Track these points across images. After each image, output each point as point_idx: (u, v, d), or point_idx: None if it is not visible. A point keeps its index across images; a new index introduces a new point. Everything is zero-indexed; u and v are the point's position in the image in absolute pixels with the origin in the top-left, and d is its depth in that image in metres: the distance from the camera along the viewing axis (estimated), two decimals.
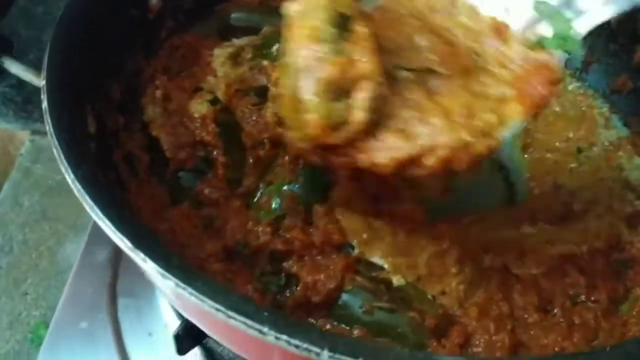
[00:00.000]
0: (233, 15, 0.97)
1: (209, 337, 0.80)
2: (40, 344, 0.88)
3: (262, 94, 0.83)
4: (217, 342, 0.82)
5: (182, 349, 0.80)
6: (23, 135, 1.58)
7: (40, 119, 0.61)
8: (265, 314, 0.45)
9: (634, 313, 0.66)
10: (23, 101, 1.14)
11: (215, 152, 0.80)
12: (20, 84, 0.91)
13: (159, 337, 0.87)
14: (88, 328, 0.88)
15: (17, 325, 1.18)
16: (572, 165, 0.84)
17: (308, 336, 0.44)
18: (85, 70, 0.70)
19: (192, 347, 0.80)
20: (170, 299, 0.65)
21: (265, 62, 0.84)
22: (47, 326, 0.90)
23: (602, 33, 0.95)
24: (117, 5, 0.79)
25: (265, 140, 0.79)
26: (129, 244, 0.49)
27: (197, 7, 0.95)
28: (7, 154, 1.59)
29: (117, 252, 0.95)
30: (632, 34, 0.91)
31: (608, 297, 0.67)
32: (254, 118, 0.81)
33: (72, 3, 0.71)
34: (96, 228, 0.97)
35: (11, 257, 1.35)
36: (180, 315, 0.85)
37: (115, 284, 0.91)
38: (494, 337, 0.64)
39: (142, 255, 0.48)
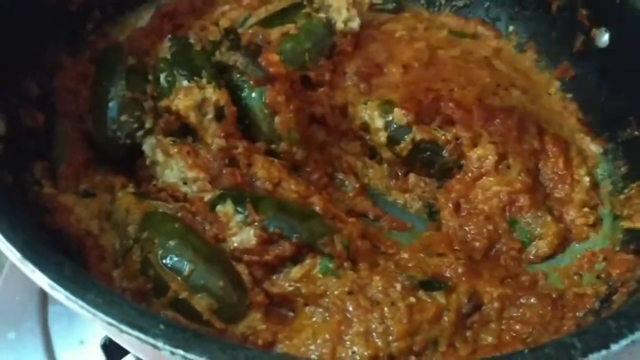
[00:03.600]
0: None
1: None
2: None
3: None
4: None
5: (112, 358, 0.76)
6: None
7: None
8: (161, 326, 0.42)
9: None
10: None
11: None
12: None
13: (91, 344, 0.82)
14: (16, 338, 0.83)
15: None
16: None
17: (206, 350, 0.41)
18: None
19: (122, 356, 0.76)
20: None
21: None
22: None
23: (544, 20, 0.93)
24: None
25: None
26: (17, 254, 0.45)
27: None
28: None
29: None
30: (572, 19, 0.89)
31: None
32: None
33: None
34: None
35: None
36: None
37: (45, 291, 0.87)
38: None
39: (30, 266, 0.45)
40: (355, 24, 0.89)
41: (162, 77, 0.77)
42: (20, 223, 0.50)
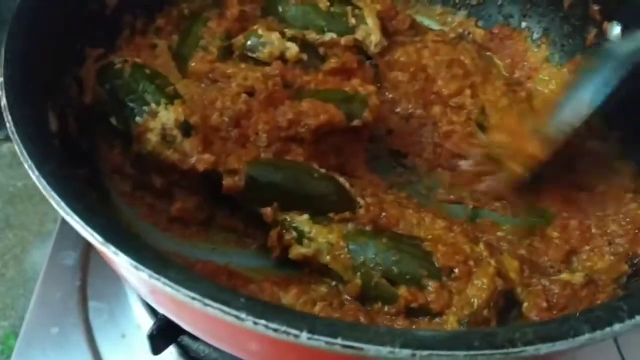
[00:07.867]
0: None
1: (183, 334, 0.79)
2: (10, 355, 0.85)
3: None
4: (193, 339, 0.81)
5: (157, 349, 0.79)
6: None
7: None
8: (242, 299, 0.45)
9: None
10: None
11: None
12: None
13: (132, 338, 0.85)
14: (59, 333, 0.86)
15: None
16: None
17: (286, 319, 0.44)
18: (44, 67, 0.69)
19: (167, 345, 0.79)
20: (143, 293, 0.64)
21: None
22: (17, 336, 0.87)
23: (556, 15, 0.97)
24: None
25: None
26: (99, 238, 0.48)
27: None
28: None
29: (86, 255, 0.93)
30: (584, 14, 0.93)
31: None
32: None
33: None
34: (62, 232, 0.96)
35: None
36: (153, 314, 0.84)
37: (85, 287, 0.89)
38: None
39: (113, 248, 0.48)
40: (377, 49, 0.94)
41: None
42: (93, 207, 0.53)
